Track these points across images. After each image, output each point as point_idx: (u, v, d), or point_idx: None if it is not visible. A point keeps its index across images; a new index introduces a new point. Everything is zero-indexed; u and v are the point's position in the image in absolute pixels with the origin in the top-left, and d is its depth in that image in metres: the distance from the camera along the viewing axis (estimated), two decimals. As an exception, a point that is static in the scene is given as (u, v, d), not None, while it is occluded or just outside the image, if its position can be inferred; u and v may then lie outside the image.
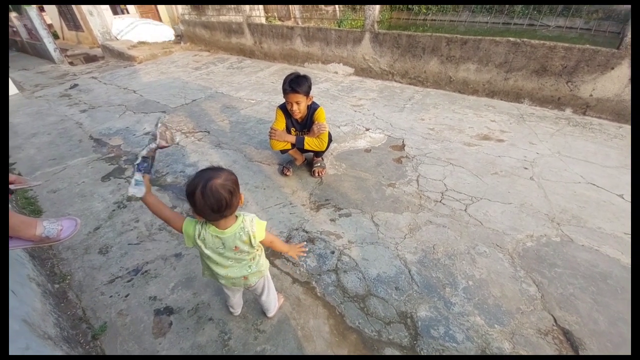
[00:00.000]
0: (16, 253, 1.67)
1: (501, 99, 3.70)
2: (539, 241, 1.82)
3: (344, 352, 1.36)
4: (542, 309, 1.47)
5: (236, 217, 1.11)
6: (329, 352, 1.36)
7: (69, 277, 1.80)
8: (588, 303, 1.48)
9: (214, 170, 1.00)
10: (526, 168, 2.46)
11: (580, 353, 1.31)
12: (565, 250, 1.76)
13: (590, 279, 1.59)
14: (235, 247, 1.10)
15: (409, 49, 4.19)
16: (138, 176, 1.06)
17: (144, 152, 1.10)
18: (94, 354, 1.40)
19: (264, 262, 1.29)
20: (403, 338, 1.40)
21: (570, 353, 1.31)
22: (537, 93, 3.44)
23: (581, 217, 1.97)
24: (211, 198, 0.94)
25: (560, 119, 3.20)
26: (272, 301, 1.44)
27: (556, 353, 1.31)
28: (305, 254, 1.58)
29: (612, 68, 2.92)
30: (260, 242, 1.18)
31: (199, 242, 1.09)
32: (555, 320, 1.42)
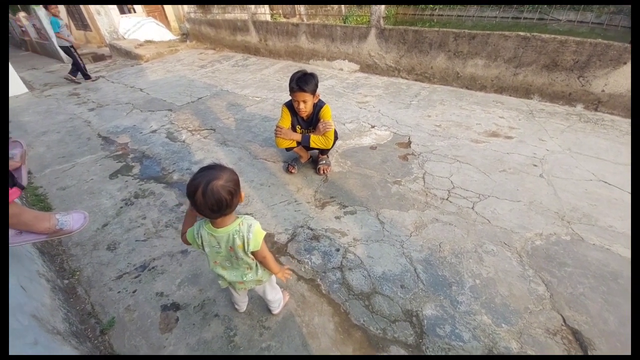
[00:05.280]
0: (26, 249, 1.70)
1: (510, 95, 3.63)
2: (548, 240, 1.79)
3: (348, 349, 1.36)
4: (551, 308, 1.45)
5: (236, 217, 1.08)
6: (334, 350, 1.36)
7: (78, 272, 1.83)
8: (598, 303, 1.45)
9: (216, 170, 0.99)
10: (535, 165, 2.41)
11: (590, 353, 1.28)
12: (576, 249, 1.72)
13: (601, 279, 1.55)
14: (230, 247, 1.09)
15: (416, 44, 4.13)
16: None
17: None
18: (102, 348, 1.43)
19: (264, 274, 1.26)
20: (408, 336, 1.39)
21: (579, 353, 1.29)
22: (548, 88, 3.36)
23: (592, 216, 1.92)
24: (211, 198, 0.94)
25: (571, 115, 3.13)
26: (277, 299, 1.45)
27: (565, 353, 1.29)
28: (290, 277, 1.49)
29: (625, 63, 2.84)
30: (252, 253, 1.12)
31: (197, 240, 1.10)
32: (564, 320, 1.40)
